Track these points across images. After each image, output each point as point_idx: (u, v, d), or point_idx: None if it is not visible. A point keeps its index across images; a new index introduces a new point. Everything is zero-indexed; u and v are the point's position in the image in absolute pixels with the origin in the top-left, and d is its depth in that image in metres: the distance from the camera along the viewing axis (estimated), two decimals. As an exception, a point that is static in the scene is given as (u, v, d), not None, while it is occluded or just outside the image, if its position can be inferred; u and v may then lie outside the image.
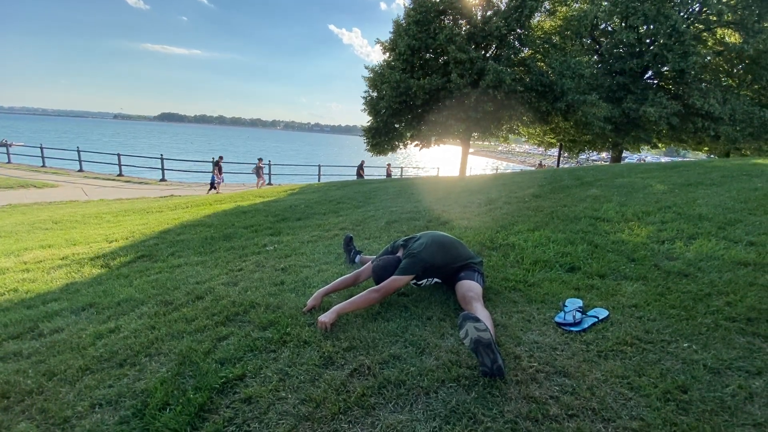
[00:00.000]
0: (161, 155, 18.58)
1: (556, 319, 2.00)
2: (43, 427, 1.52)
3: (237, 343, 1.98)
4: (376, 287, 2.19)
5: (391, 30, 13.78)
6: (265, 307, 2.41)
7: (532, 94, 11.42)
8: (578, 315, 1.97)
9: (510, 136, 16.29)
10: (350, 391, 1.54)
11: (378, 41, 14.19)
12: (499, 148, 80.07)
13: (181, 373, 1.78)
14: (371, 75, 14.13)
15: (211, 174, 14.85)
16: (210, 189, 14.56)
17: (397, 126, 15.01)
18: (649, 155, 43.49)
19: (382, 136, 14.10)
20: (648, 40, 14.25)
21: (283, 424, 1.41)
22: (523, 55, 12.29)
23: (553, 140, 16.14)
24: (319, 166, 19.34)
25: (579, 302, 2.14)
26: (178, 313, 2.52)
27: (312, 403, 1.49)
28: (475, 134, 14.32)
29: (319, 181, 18.69)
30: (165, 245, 4.75)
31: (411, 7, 12.87)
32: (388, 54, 14.11)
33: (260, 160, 16.47)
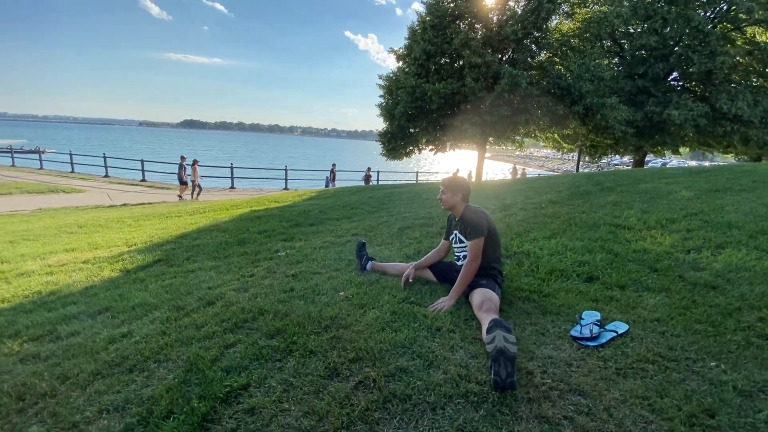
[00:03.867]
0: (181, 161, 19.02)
1: (572, 332, 1.91)
2: (54, 431, 1.53)
3: (243, 352, 1.97)
4: (474, 255, 2.34)
5: (406, 36, 13.81)
6: (273, 314, 2.39)
7: (549, 97, 11.20)
8: (595, 329, 1.88)
9: (527, 140, 16.03)
10: (354, 405, 1.50)
11: (392, 50, 14.24)
12: (517, 153, 79.10)
13: (188, 380, 1.78)
14: (386, 83, 14.18)
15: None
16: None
17: (412, 131, 14.99)
18: (674, 159, 42.04)
19: (398, 140, 14.09)
20: (671, 42, 13.83)
21: (283, 437, 1.38)
22: (540, 58, 12.09)
23: (571, 144, 15.78)
24: (337, 171, 19.43)
25: (597, 315, 2.05)
26: (189, 318, 2.54)
27: (315, 416, 1.46)
28: (491, 139, 14.14)
29: (334, 185, 18.81)
30: (181, 250, 4.83)
31: (426, 12, 12.87)
32: (402, 62, 14.15)
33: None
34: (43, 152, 28.38)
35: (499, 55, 12.06)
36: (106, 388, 1.81)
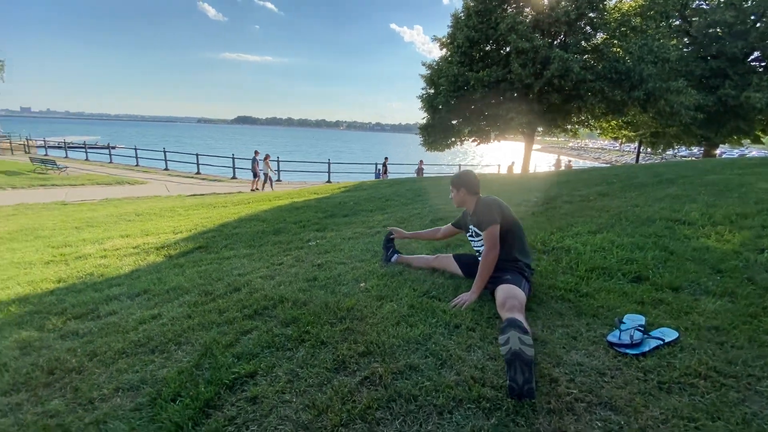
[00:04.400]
0: (233, 155, 20.01)
1: (609, 338, 1.69)
2: (71, 406, 1.61)
3: (257, 339, 1.95)
4: (490, 244, 2.20)
5: (450, 24, 13.39)
6: (292, 302, 2.37)
7: (605, 82, 10.30)
8: (637, 335, 1.64)
9: (581, 130, 14.98)
10: (357, 402, 1.42)
11: (435, 38, 13.87)
12: (570, 144, 74.62)
13: (200, 364, 1.79)
14: (428, 72, 13.88)
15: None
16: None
17: (454, 122, 14.59)
18: (753, 150, 37.43)
19: (438, 133, 13.76)
20: (752, 18, 12.19)
21: (281, 430, 1.33)
22: (595, 40, 11.16)
23: (630, 134, 14.48)
24: (376, 164, 19.48)
25: (641, 319, 1.80)
26: (215, 303, 2.59)
27: (315, 410, 1.39)
28: (540, 129, 13.38)
29: (376, 177, 18.85)
30: (221, 238, 5.01)
31: (470, -3, 12.37)
32: (445, 50, 13.75)
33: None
34: (113, 148, 31.18)
35: (549, 39, 11.29)
36: (127, 367, 1.88)
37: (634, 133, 14.43)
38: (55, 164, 18.20)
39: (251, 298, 2.55)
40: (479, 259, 2.35)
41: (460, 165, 25.00)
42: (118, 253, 4.69)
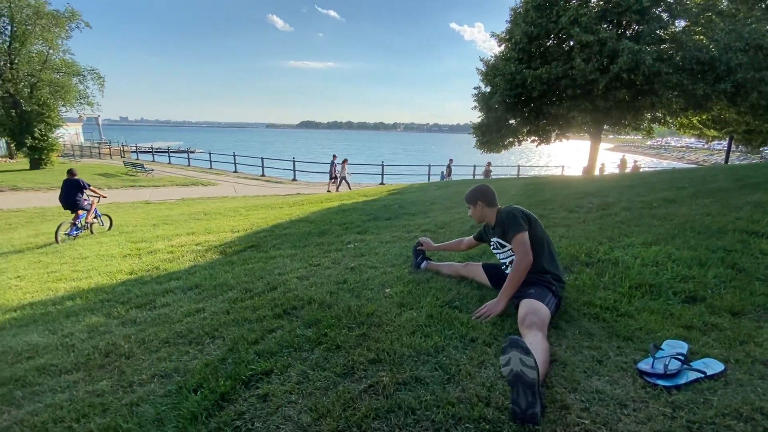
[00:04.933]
0: (293, 158, 21.10)
1: (640, 365, 1.52)
2: (114, 387, 1.82)
3: (280, 338, 2.05)
4: (522, 251, 2.08)
5: (508, 19, 12.89)
6: (319, 304, 2.46)
7: (684, 75, 9.16)
8: (674, 364, 1.46)
9: (657, 128, 13.54)
10: (357, 409, 1.43)
11: (493, 33, 13.43)
12: (649, 143, 67.67)
13: (225, 359, 1.92)
14: (485, 69, 13.47)
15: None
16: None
17: (511, 122, 14.00)
18: None
19: (493, 132, 13.27)
20: None
21: (281, 429, 1.39)
22: (673, 29, 10.00)
23: (717, 131, 12.74)
24: (429, 165, 19.35)
25: (683, 346, 1.61)
26: (251, 301, 2.76)
27: (316, 413, 1.43)
28: (607, 127, 12.33)
29: (428, 180, 18.72)
30: (271, 238, 5.31)
31: (530, -9, 11.78)
32: (504, 46, 13.24)
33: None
34: (192, 152, 34.44)
35: (618, 31, 10.35)
36: (166, 355, 2.08)
37: (717, 132, 12.67)
38: (143, 167, 20.54)
39: (284, 297, 2.68)
40: (505, 270, 2.25)
41: (518, 166, 23.86)
42: (182, 250, 5.17)
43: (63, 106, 20.94)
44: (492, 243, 2.41)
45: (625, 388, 1.43)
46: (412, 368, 1.64)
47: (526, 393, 1.25)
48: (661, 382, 1.42)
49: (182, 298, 3.13)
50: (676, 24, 10.17)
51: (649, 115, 11.60)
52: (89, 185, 7.32)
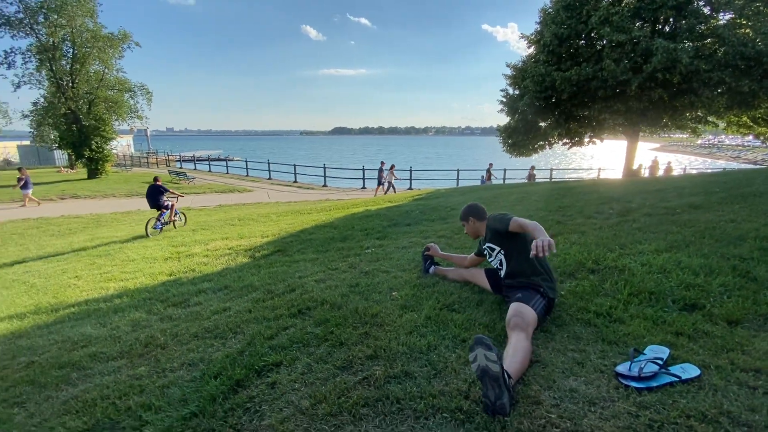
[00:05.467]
0: (324, 165, 21.70)
1: (618, 368, 1.60)
2: (151, 371, 2.10)
3: (292, 334, 2.27)
4: (528, 226, 2.16)
5: (537, 20, 12.72)
6: (330, 305, 2.66)
7: (726, 72, 8.65)
8: (651, 367, 1.53)
9: (703, 126, 12.78)
10: (349, 397, 1.61)
11: (522, 35, 13.28)
12: (699, 142, 63.35)
13: (243, 351, 2.17)
14: (513, 72, 13.35)
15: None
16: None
17: (541, 124, 13.73)
18: None
19: (521, 135, 13.07)
20: None
21: (284, 411, 1.59)
22: (714, 23, 9.46)
23: (765, 130, 11.82)
24: (458, 170, 19.27)
25: (665, 351, 1.67)
26: (272, 301, 3.01)
27: (313, 399, 1.63)
28: (645, 128, 11.81)
29: (457, 185, 18.65)
30: (297, 243, 5.62)
31: (559, -9, 11.58)
32: (533, 48, 13.07)
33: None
34: (230, 160, 36.18)
35: (651, 28, 9.95)
36: (195, 347, 2.35)
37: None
38: (186, 175, 21.87)
39: (300, 298, 2.91)
40: (499, 273, 2.37)
41: (551, 169, 23.18)
42: (216, 254, 5.58)
43: (116, 120, 22.74)
44: (485, 250, 2.53)
45: (599, 388, 1.52)
46: (404, 364, 1.80)
47: (493, 386, 1.38)
48: (634, 384, 1.49)
49: (212, 297, 3.45)
50: (719, 18, 9.64)
51: (689, 115, 11.02)
52: (168, 189, 8.99)
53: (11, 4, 18.85)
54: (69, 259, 6.40)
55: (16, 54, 19.85)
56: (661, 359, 1.59)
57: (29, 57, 19.93)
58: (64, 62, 20.53)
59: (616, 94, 10.16)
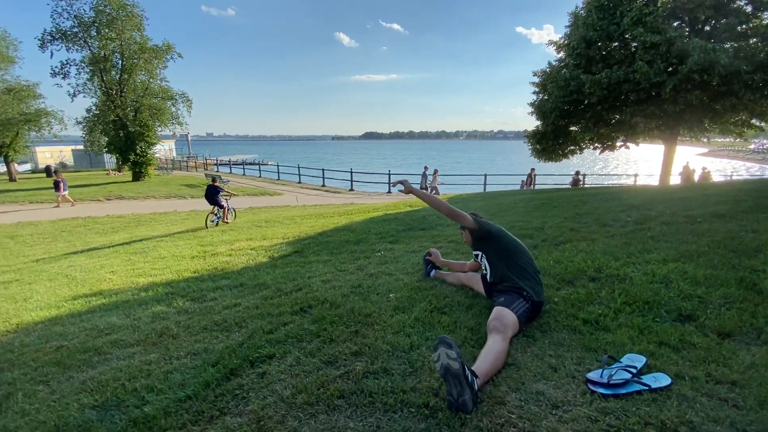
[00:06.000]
0: (351, 169, 22.07)
1: (590, 374, 1.61)
2: (160, 358, 2.30)
3: (289, 330, 2.41)
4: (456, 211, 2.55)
5: (567, 24, 12.44)
6: (330, 304, 2.79)
7: (769, 72, 8.09)
8: (621, 375, 1.54)
9: (746, 131, 11.97)
10: (327, 389, 1.71)
11: (550, 41, 13.01)
12: (751, 147, 58.96)
13: (243, 344, 2.32)
14: (540, 78, 13.11)
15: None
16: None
17: (572, 129, 13.36)
18: None
19: (549, 140, 12.77)
20: None
21: (267, 398, 1.72)
22: (758, 21, 8.87)
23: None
24: (485, 175, 19.01)
25: (641, 360, 1.66)
26: (279, 299, 3.18)
27: (295, 389, 1.74)
28: (683, 131, 11.22)
29: (484, 190, 18.39)
30: (314, 245, 5.81)
31: (591, -8, 11.28)
32: (561, 52, 12.79)
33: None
34: (264, 164, 37.45)
35: (687, 29, 9.46)
36: (202, 338, 2.54)
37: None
38: (221, 178, 22.90)
39: (304, 297, 3.05)
40: (487, 278, 2.41)
41: (584, 175, 22.33)
42: (238, 253, 5.87)
43: (159, 126, 24.19)
44: (474, 257, 2.60)
45: (567, 392, 1.54)
46: (384, 361, 1.89)
47: (455, 383, 1.44)
48: (601, 390, 1.51)
49: (227, 294, 3.67)
50: (762, 17, 9.05)
51: (732, 118, 10.37)
52: (223, 189, 10.71)
53: (67, 19, 20.56)
54: (108, 256, 6.93)
55: (71, 66, 21.61)
56: (635, 368, 1.59)
57: (83, 68, 21.63)
58: (113, 73, 22.13)
59: (649, 97, 9.74)
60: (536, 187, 16.86)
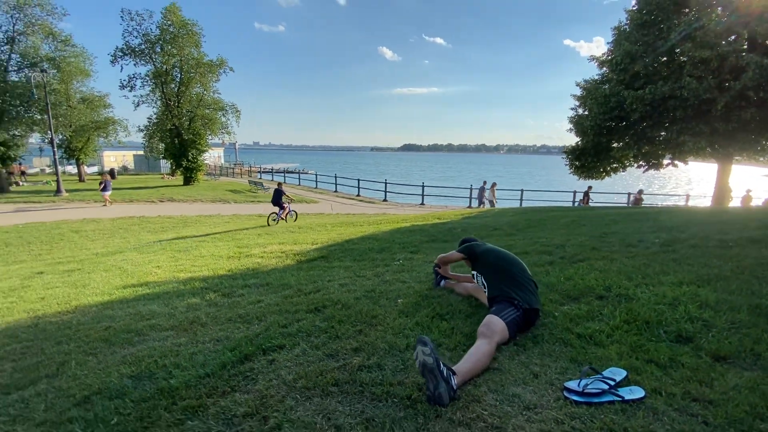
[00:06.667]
0: (385, 180, 22.42)
1: (568, 383, 1.69)
2: (188, 342, 2.60)
3: (301, 326, 2.63)
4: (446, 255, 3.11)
5: (609, 40, 12.14)
6: (342, 305, 2.99)
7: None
8: (599, 385, 1.61)
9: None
10: (324, 377, 1.90)
11: (592, 56, 12.73)
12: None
13: (259, 334, 2.57)
14: (582, 92, 12.83)
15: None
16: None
17: (615, 145, 12.91)
18: None
19: (589, 157, 12.38)
20: None
21: (272, 381, 1.93)
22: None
23: None
24: (522, 190, 18.65)
25: (622, 374, 1.72)
26: (298, 298, 3.43)
27: (296, 375, 1.95)
28: (734, 151, 10.49)
29: (520, 205, 18.02)
30: (339, 251, 6.08)
31: (636, 8, 10.98)
32: (605, 68, 12.48)
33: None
34: (304, 173, 38.82)
35: (743, 43, 8.94)
36: (226, 328, 2.83)
37: None
38: (262, 185, 24.05)
39: (321, 298, 3.28)
40: (484, 290, 2.52)
41: (628, 194, 21.24)
42: (270, 256, 6.25)
43: (209, 135, 25.94)
44: (474, 278, 2.75)
45: (542, 397, 1.63)
46: (380, 358, 2.05)
47: (431, 377, 1.58)
48: (574, 398, 1.58)
49: (253, 291, 3.98)
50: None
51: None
52: (286, 192, 12.73)
53: (136, 37, 22.76)
54: (156, 252, 7.59)
55: (136, 79, 23.81)
56: (614, 380, 1.65)
57: (146, 81, 23.76)
58: (172, 85, 24.12)
59: (698, 114, 9.26)
60: (591, 204, 16.10)
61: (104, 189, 17.39)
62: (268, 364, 2.14)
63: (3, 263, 8.20)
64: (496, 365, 1.91)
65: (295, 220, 12.80)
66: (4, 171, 21.14)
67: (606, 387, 1.60)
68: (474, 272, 2.71)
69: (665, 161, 12.52)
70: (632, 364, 1.82)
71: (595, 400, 1.56)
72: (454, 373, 1.67)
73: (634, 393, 1.57)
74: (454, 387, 1.63)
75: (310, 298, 3.31)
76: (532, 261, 3.91)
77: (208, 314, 3.24)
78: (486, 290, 2.52)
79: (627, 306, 2.48)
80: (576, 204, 16.35)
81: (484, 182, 17.70)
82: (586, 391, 1.59)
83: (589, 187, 16.05)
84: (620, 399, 1.55)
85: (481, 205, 16.65)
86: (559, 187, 19.13)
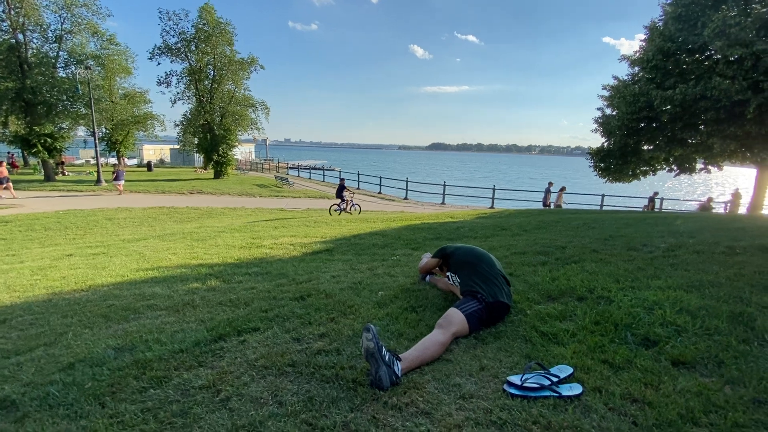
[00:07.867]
0: (406, 179, 22.42)
1: (510, 377, 1.70)
2: (178, 321, 2.77)
3: (279, 312, 2.75)
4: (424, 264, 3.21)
5: (642, 38, 11.61)
6: (325, 294, 3.09)
7: None
8: (540, 380, 1.62)
9: None
10: (284, 357, 2.00)
11: (623, 56, 12.22)
12: None
13: (242, 317, 2.71)
14: (609, 92, 12.36)
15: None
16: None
17: (645, 147, 12.36)
18: None
19: (614, 159, 11.90)
20: None
21: (237, 359, 2.05)
22: None
23: None
24: (545, 192, 18.12)
25: (567, 371, 1.72)
26: (290, 286, 3.56)
27: (259, 355, 2.06)
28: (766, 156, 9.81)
29: (543, 206, 17.55)
30: (345, 245, 6.20)
31: (669, 2, 10.45)
32: (636, 67, 11.96)
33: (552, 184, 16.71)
34: (329, 169, 39.41)
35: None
36: (213, 310, 2.98)
37: None
38: (288, 181, 24.64)
39: (309, 287, 3.39)
40: (459, 287, 2.54)
41: (661, 199, 20.20)
42: (278, 247, 6.45)
43: (239, 130, 26.82)
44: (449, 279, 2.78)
45: (481, 389, 1.65)
46: (341, 344, 2.13)
47: (373, 362, 1.64)
48: (512, 391, 1.60)
49: (251, 279, 4.14)
50: None
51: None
52: (347, 187, 14.15)
53: (173, 36, 23.83)
54: (176, 240, 7.99)
55: (173, 76, 24.93)
56: (558, 377, 1.65)
57: (181, 78, 24.84)
58: (206, 82, 25.10)
59: (729, 116, 8.72)
60: (662, 210, 15.05)
61: (116, 179, 18.39)
62: (238, 344, 2.26)
63: (40, 245, 8.88)
64: (450, 357, 1.94)
65: (359, 213, 13.89)
66: (51, 161, 22.73)
67: (547, 383, 1.61)
68: (449, 273, 2.75)
69: (699, 166, 11.88)
70: (585, 363, 1.80)
71: (532, 394, 1.57)
72: (399, 359, 1.72)
73: (573, 390, 1.57)
74: (398, 372, 1.69)
75: (300, 287, 3.42)
76: (526, 261, 3.87)
77: (203, 298, 3.41)
78: (459, 287, 2.55)
79: (603, 308, 2.44)
80: (642, 209, 15.31)
81: (550, 184, 16.04)
82: (525, 385, 1.60)
83: (655, 193, 14.93)
84: (557, 395, 1.55)
85: (546, 207, 15.66)
86: (592, 190, 18.24)
